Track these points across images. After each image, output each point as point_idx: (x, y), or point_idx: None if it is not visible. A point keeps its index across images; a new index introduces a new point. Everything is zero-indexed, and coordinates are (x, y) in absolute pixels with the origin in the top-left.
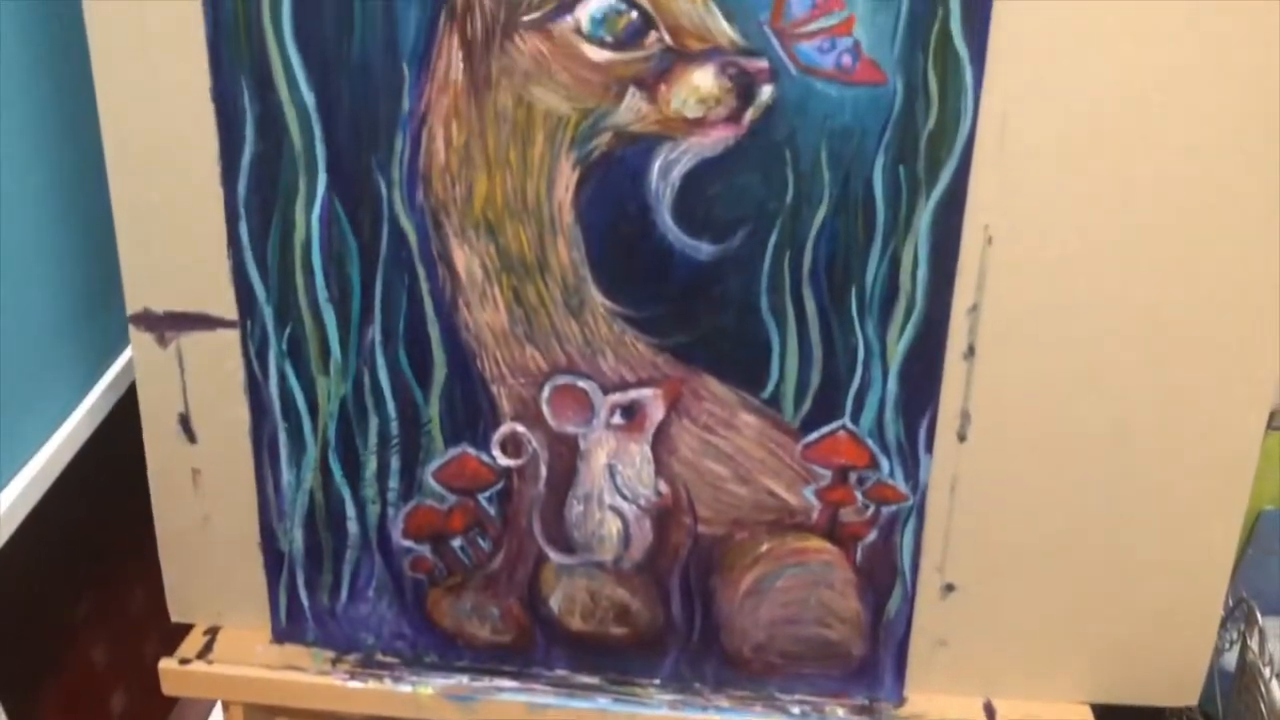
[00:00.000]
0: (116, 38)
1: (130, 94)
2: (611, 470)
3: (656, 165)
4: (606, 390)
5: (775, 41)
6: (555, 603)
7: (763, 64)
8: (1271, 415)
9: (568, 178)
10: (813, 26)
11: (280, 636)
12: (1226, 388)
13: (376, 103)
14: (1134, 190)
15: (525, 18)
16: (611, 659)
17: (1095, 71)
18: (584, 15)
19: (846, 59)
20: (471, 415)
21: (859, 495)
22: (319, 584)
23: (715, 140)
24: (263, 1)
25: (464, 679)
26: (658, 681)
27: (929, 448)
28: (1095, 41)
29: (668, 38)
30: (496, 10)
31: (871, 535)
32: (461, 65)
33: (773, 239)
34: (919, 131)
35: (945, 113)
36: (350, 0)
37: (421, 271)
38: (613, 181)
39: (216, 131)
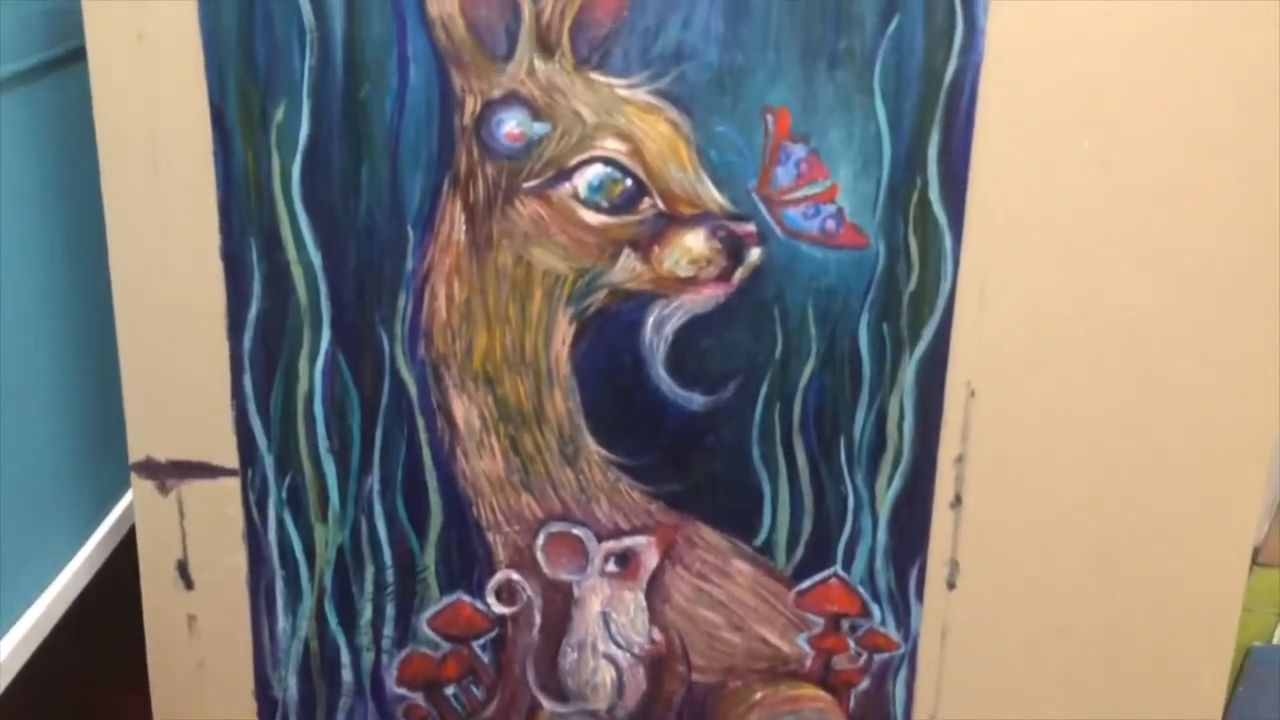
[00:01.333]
0: (130, 195)
1: (141, 249)
2: (605, 618)
3: (650, 320)
4: (601, 537)
5: (763, 207)
6: None
7: (751, 228)
8: (1255, 552)
9: (565, 332)
10: (798, 194)
11: None
12: (1209, 528)
13: (381, 262)
14: (1109, 345)
15: (526, 184)
16: None
17: (1068, 235)
18: (581, 183)
19: (831, 224)
20: (467, 563)
21: (852, 643)
22: None
23: (706, 298)
24: (273, 166)
25: None
26: None
27: (919, 596)
28: (1068, 206)
29: (660, 203)
30: (498, 178)
31: (864, 683)
32: (464, 227)
33: (763, 391)
34: (901, 292)
35: (926, 275)
36: (358, 167)
37: (421, 422)
38: (608, 335)
39: (225, 288)
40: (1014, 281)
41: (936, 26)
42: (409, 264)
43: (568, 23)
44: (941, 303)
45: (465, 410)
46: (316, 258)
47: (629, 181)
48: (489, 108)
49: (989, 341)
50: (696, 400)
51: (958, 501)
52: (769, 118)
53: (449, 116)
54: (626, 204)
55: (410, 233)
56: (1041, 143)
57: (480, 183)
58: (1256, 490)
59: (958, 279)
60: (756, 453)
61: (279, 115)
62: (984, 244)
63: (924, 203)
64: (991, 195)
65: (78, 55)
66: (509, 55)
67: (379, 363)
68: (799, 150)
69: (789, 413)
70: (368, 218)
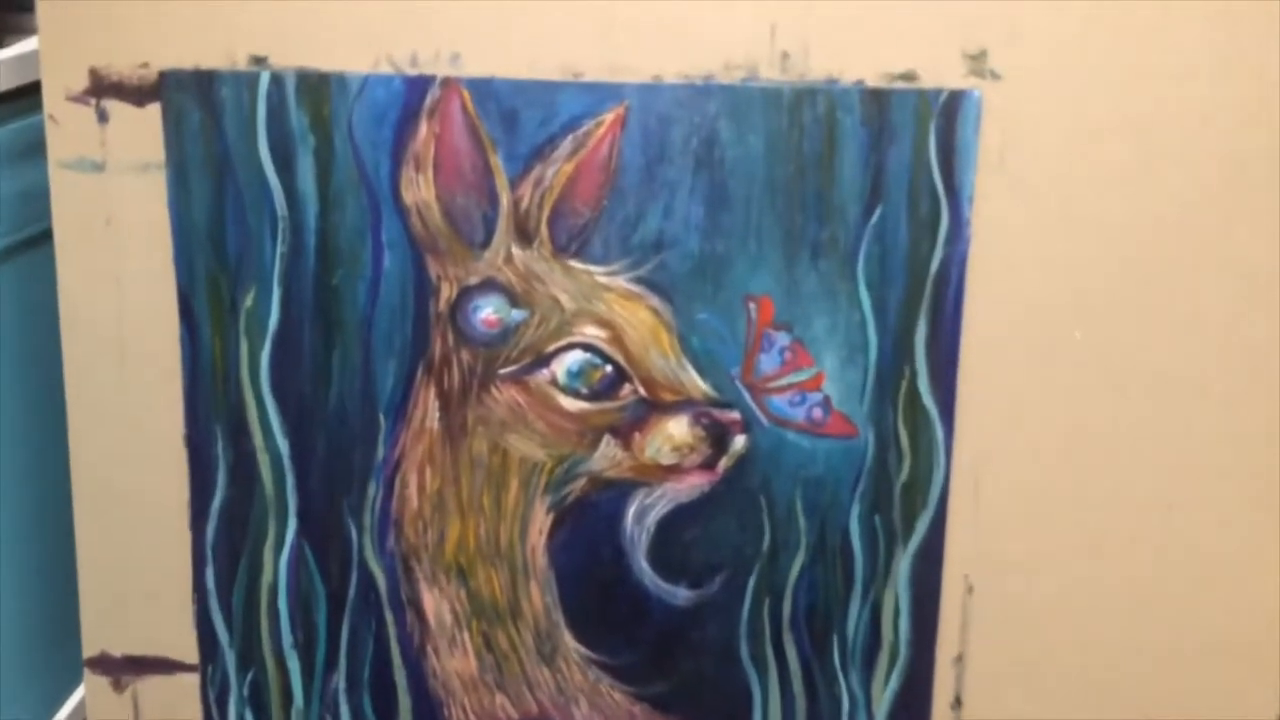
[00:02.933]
0: (94, 381)
1: (103, 436)
2: None
3: (631, 510)
4: None
5: (747, 395)
6: None
7: (735, 415)
8: None
9: (542, 522)
10: (783, 381)
11: None
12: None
13: (351, 450)
14: (1111, 536)
15: (503, 371)
16: None
17: (1064, 424)
18: (560, 369)
19: (817, 412)
20: None
21: None
22: None
23: (690, 487)
24: (241, 352)
25: None
26: None
27: None
28: (1061, 395)
29: (641, 390)
30: (474, 364)
31: None
32: (437, 414)
33: (751, 585)
34: (893, 482)
35: (918, 465)
36: (329, 354)
37: (390, 617)
38: (587, 526)
39: (188, 477)
40: (1010, 472)
41: (921, 217)
42: (380, 452)
43: (546, 211)
44: (935, 494)
45: (436, 604)
46: (284, 446)
47: (609, 368)
48: (465, 294)
49: (986, 534)
50: (681, 595)
51: (958, 703)
52: (751, 306)
53: (424, 303)
54: (607, 390)
55: (382, 420)
56: (1032, 331)
57: (455, 369)
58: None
59: (951, 470)
60: (745, 651)
61: (249, 302)
62: (977, 434)
63: (913, 392)
64: (983, 384)
65: (44, 238)
66: (486, 243)
67: (346, 554)
68: (783, 338)
69: (779, 608)
70: (338, 405)
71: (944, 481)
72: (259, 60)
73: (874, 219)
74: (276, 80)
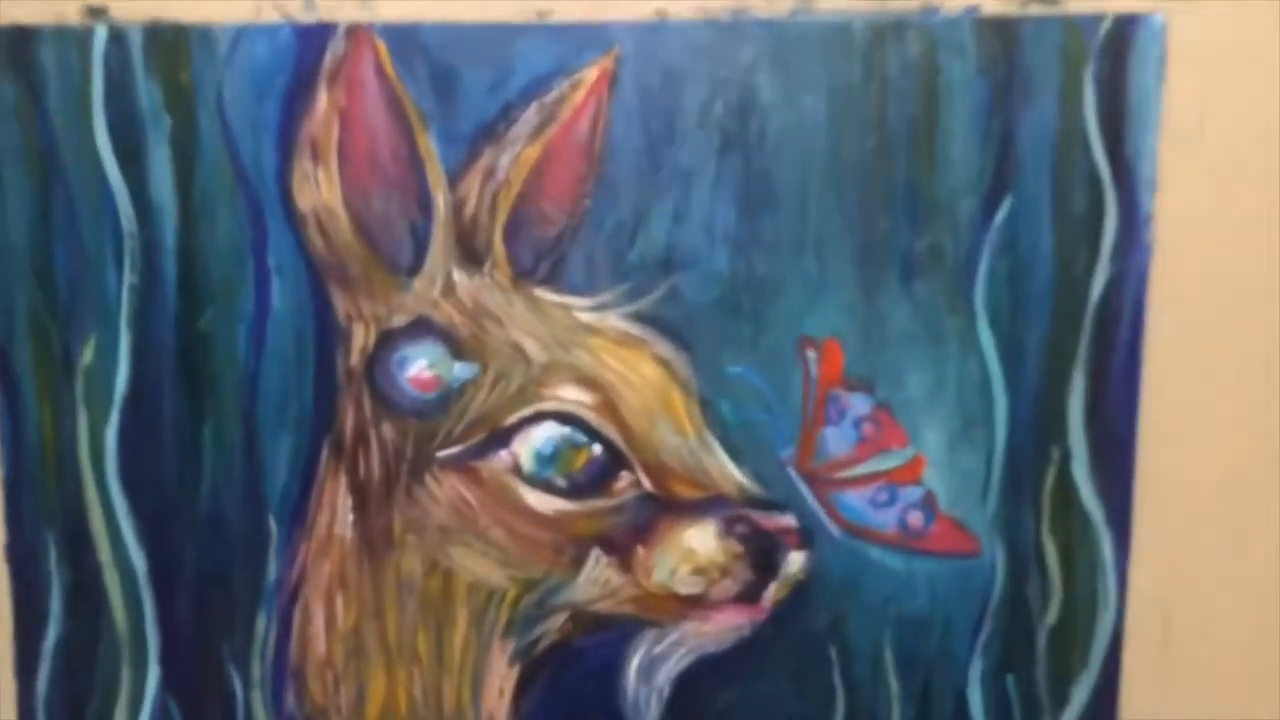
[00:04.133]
0: None
1: None
2: None
3: (635, 663)
4: None
5: (805, 489)
6: None
7: (788, 521)
8: None
9: (503, 678)
10: (860, 469)
11: None
12: None
13: (230, 569)
14: None
15: (443, 453)
16: None
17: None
18: (524, 450)
19: (916, 517)
20: None
21: None
22: None
23: (722, 629)
24: (79, 428)
25: None
26: None
27: None
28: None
29: (646, 481)
30: (401, 443)
31: None
32: (350, 517)
33: None
34: (1035, 625)
35: (1074, 599)
36: (198, 429)
37: None
38: (570, 685)
39: (11, 604)
40: (1217, 603)
41: (1073, 213)
42: (271, 572)
43: (502, 218)
44: (1102, 642)
45: None
46: (140, 561)
47: (597, 448)
48: (387, 341)
49: (1178, 703)
50: None
51: None
52: (810, 354)
53: (328, 355)
54: (594, 482)
55: (273, 526)
56: (1249, 388)
57: (375, 451)
58: None
59: (1126, 604)
60: None
61: (87, 355)
62: (1166, 550)
63: (1065, 485)
64: (1173, 471)
65: None
66: (416, 266)
67: (229, 717)
68: (860, 403)
69: None
70: (212, 503)
71: (1115, 622)
72: (95, 11)
73: (999, 218)
74: (117, 37)
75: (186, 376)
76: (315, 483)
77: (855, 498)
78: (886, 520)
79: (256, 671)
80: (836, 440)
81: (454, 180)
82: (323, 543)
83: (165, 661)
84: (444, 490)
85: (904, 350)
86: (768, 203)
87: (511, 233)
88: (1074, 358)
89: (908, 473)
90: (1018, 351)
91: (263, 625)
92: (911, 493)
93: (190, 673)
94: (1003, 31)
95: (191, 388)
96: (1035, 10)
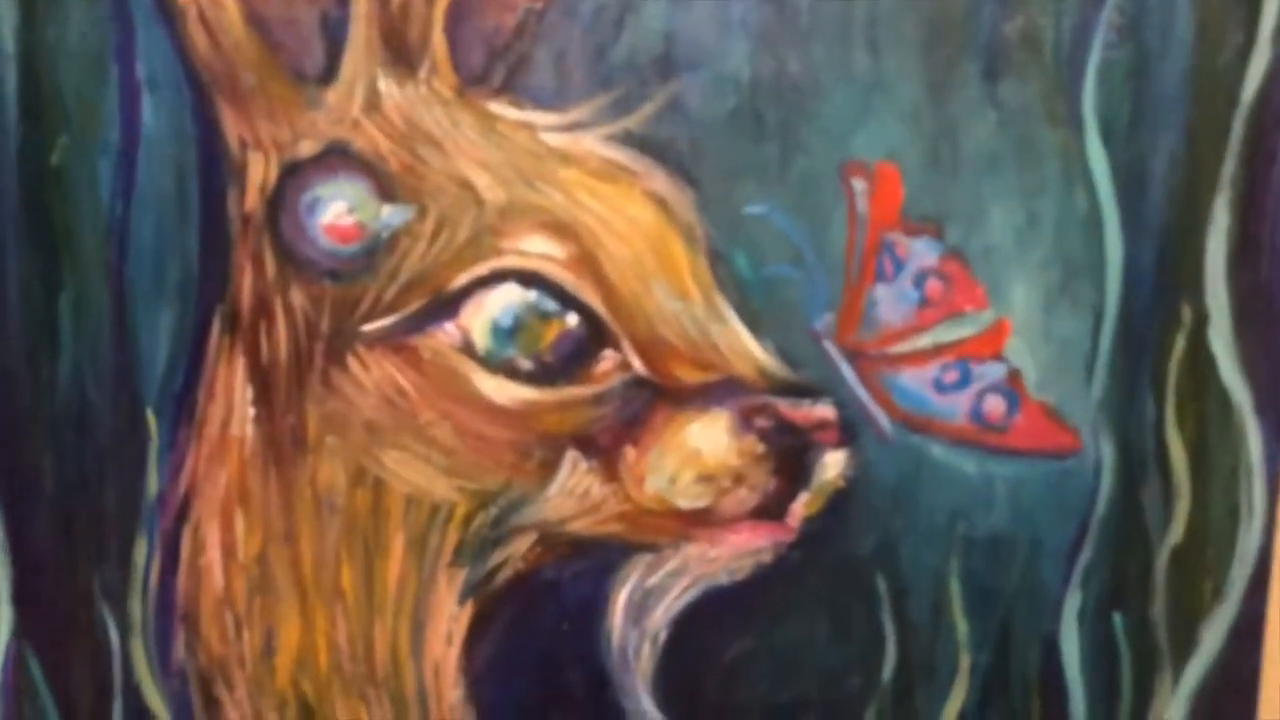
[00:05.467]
0: None
1: None
2: None
3: (622, 600)
4: None
5: (848, 368)
6: None
7: (824, 411)
8: None
9: (451, 619)
10: (922, 341)
11: None
12: None
13: (99, 482)
14: None
15: (368, 327)
16: None
17: None
18: (477, 321)
19: (995, 403)
20: None
21: None
22: None
23: (736, 553)
24: None
25: None
26: None
27: None
28: None
29: (637, 362)
30: (315, 314)
31: None
32: (252, 413)
33: None
34: (1152, 547)
35: (1207, 510)
36: (52, 296)
37: None
38: (536, 629)
39: None
40: None
41: None
42: (151, 484)
43: (441, 2)
44: (1243, 571)
45: None
46: None
47: (572, 318)
48: (294, 176)
49: None
50: None
51: None
52: (858, 184)
53: (217, 197)
54: (569, 364)
55: (152, 424)
56: None
57: (281, 325)
58: None
59: (1277, 520)
60: None
61: None
62: None
63: (1199, 359)
64: None
65: None
66: (329, 73)
67: (102, 670)
68: (924, 250)
69: None
70: (72, 396)
71: (1262, 543)
72: None
73: None
74: None
75: (33, 229)
76: (204, 367)
77: (914, 379)
78: (956, 408)
79: (136, 613)
80: (891, 302)
81: None
82: (216, 446)
83: (19, 601)
84: (372, 376)
85: (984, 177)
86: None
87: (455, 24)
88: (1216, 184)
89: (986, 344)
90: (1139, 176)
91: (142, 554)
92: (990, 370)
93: (51, 615)
94: None
95: (40, 244)
96: None
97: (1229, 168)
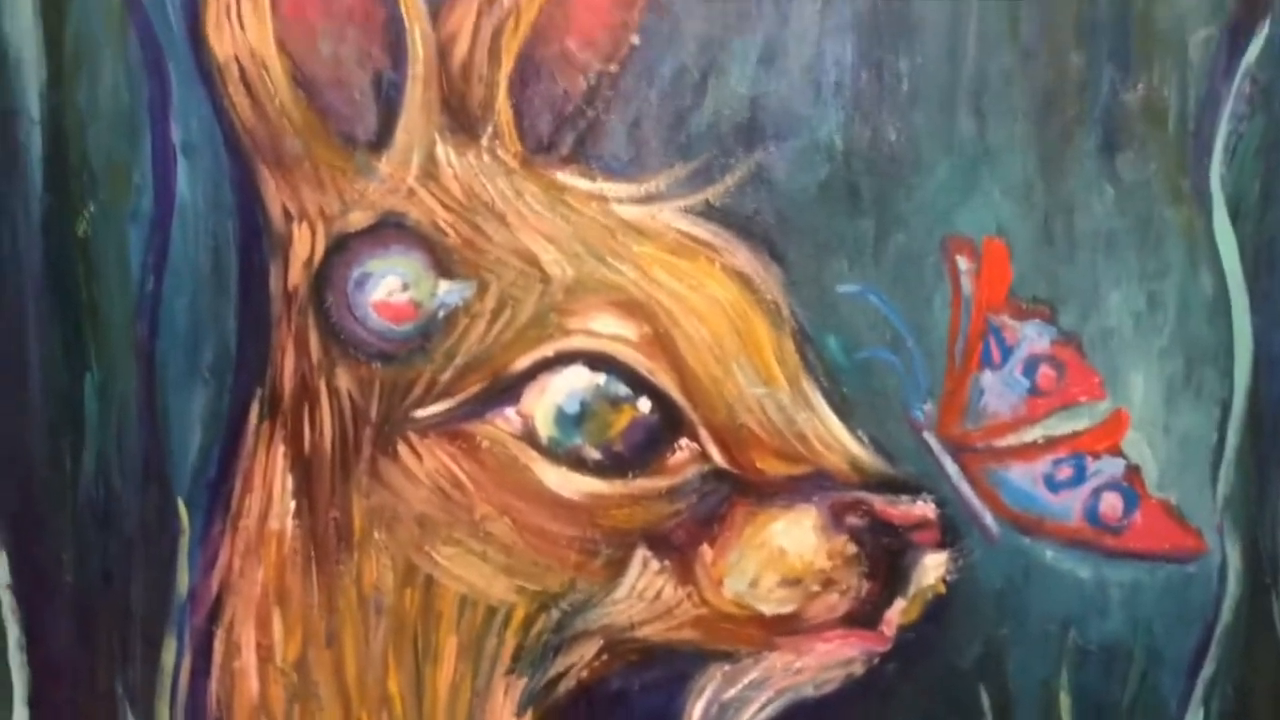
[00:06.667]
0: None
1: None
2: None
3: (697, 714)
4: None
5: (950, 462)
6: None
7: (924, 509)
8: None
9: None
10: (1033, 433)
11: None
12: None
13: (126, 577)
14: None
15: (421, 412)
16: None
17: None
18: (541, 407)
19: (1112, 501)
20: None
21: None
22: None
23: (825, 663)
24: None
25: None
26: None
27: None
28: None
29: (716, 452)
30: (363, 399)
31: None
32: (293, 505)
33: None
34: None
35: None
36: (77, 378)
37: None
38: None
39: None
40: None
41: None
42: (182, 581)
43: (506, 66)
44: None
45: None
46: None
47: (645, 404)
48: (343, 250)
49: None
50: None
51: None
52: (963, 263)
53: (258, 271)
54: (641, 454)
55: (184, 516)
56: None
57: (326, 410)
58: None
59: None
60: None
61: None
62: None
63: None
64: None
65: None
66: (383, 139)
67: None
68: (1035, 335)
69: None
70: (97, 482)
71: None
72: None
73: (1250, 57)
74: None
75: (57, 305)
76: (241, 455)
77: (1023, 475)
78: (1069, 507)
79: (163, 718)
80: (998, 391)
81: (438, 10)
82: (253, 540)
83: (35, 705)
84: (424, 466)
85: (1101, 257)
86: (902, 34)
87: (521, 87)
88: None
89: (1102, 437)
90: (1270, 258)
91: (171, 656)
92: (1107, 466)
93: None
94: None
95: (64, 321)
96: None
97: None
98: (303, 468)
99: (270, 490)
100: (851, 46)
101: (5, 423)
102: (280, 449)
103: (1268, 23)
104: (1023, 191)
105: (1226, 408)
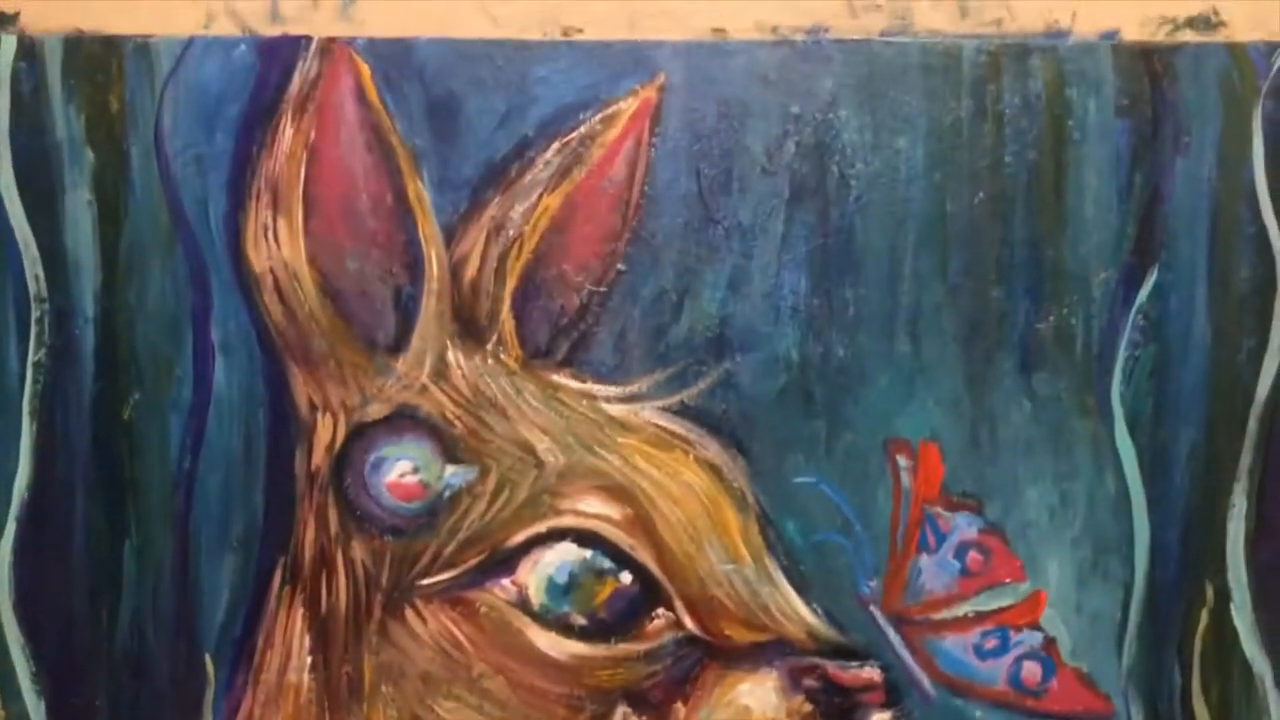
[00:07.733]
0: None
1: None
2: None
3: None
4: None
5: (893, 633)
6: None
7: (871, 673)
8: None
9: None
10: (964, 609)
11: None
12: None
13: None
14: None
15: (427, 581)
16: None
17: None
18: (533, 578)
19: (1032, 669)
20: None
21: None
22: None
23: None
24: None
25: None
26: None
27: None
28: None
29: (689, 620)
30: (375, 568)
31: None
32: (310, 661)
33: None
34: None
35: None
36: (117, 544)
37: None
38: None
39: None
40: None
41: (1235, 288)
42: None
43: (510, 284)
44: None
45: None
46: (36, 709)
47: (626, 577)
48: (361, 437)
49: None
50: None
51: None
52: (902, 461)
53: (284, 455)
54: (622, 621)
55: (210, 671)
56: None
57: (342, 577)
58: None
59: None
60: None
61: None
62: None
63: (1222, 632)
64: None
65: None
66: (400, 343)
67: None
68: (965, 524)
69: None
70: (132, 637)
71: None
72: (3, 19)
73: (1142, 295)
74: (29, 51)
75: (102, 479)
76: (264, 615)
77: (956, 645)
78: (995, 672)
79: None
80: (934, 571)
81: (451, 235)
82: (273, 691)
83: None
84: (428, 628)
85: (1020, 459)
86: (849, 268)
87: (523, 303)
88: (1235, 472)
89: (1024, 613)
90: (1164, 463)
91: None
92: (1028, 639)
93: None
94: (1148, 62)
95: (110, 494)
96: (1189, 37)
97: (1246, 459)
98: (319, 628)
99: (290, 647)
100: (805, 277)
101: (51, 580)
102: (300, 611)
103: (1156, 269)
104: (953, 402)
105: (1129, 590)
